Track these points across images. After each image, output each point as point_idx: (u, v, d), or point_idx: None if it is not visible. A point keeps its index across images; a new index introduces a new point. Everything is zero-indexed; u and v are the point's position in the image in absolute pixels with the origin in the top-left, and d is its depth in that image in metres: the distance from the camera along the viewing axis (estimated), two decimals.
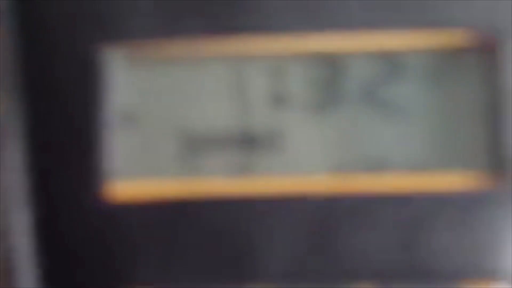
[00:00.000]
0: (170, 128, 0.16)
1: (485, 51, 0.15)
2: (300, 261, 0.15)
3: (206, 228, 0.15)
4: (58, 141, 0.15)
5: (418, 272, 0.15)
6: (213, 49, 0.15)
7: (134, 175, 0.16)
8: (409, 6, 0.16)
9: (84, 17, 0.16)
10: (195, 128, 0.16)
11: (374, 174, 0.15)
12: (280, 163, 0.15)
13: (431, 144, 0.16)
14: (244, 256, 0.15)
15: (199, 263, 0.15)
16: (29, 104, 0.16)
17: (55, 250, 0.16)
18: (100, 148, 0.16)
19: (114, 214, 0.16)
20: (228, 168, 0.16)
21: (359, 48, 0.16)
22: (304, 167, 0.16)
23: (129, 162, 0.16)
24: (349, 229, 0.15)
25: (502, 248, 0.14)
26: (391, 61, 0.16)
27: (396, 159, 0.16)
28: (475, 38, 0.15)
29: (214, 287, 0.15)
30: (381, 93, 0.16)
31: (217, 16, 0.15)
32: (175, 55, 0.16)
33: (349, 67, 0.16)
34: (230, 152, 0.16)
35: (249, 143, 0.16)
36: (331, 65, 0.16)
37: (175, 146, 0.16)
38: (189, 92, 0.16)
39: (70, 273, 0.16)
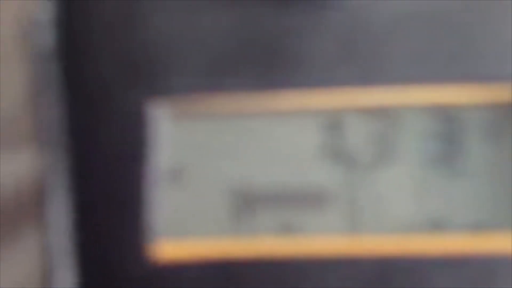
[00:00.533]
0: (218, 185, 0.16)
1: None
2: None
3: None
4: (104, 199, 0.15)
5: None
6: (261, 104, 0.15)
7: (181, 234, 0.15)
8: (464, 60, 0.15)
9: (132, 72, 0.16)
10: (244, 186, 0.15)
11: (430, 235, 0.15)
12: (334, 223, 0.15)
13: (491, 203, 0.15)
14: None
15: None
16: (74, 160, 0.15)
17: None
18: (147, 206, 0.15)
19: (160, 275, 0.15)
20: (279, 226, 0.15)
21: (415, 102, 0.15)
22: (358, 227, 0.15)
23: (175, 221, 0.16)
24: None
25: None
26: (447, 116, 0.15)
27: (454, 219, 0.15)
28: None
29: None
30: (438, 149, 0.15)
31: (265, 72, 0.15)
32: (224, 110, 0.15)
33: (404, 122, 0.15)
34: (281, 210, 0.15)
35: (301, 201, 0.15)
36: (387, 120, 0.15)
37: (223, 204, 0.16)
38: (238, 148, 0.15)
39: None
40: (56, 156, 0.15)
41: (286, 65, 0.15)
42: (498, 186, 0.15)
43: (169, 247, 0.15)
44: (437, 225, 0.15)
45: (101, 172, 0.16)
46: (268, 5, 0.15)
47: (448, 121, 0.15)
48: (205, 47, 0.16)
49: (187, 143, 0.16)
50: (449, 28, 0.16)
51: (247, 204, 0.16)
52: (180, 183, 0.16)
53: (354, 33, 0.16)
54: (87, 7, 0.17)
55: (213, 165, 0.16)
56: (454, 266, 0.15)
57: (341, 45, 0.16)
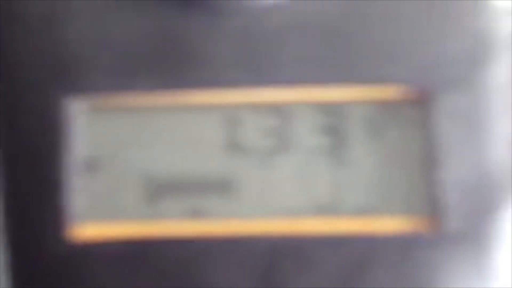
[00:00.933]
0: (131, 173, 0.17)
1: (418, 104, 0.17)
2: None
3: (164, 267, 0.16)
4: (28, 186, 0.16)
5: None
6: (170, 100, 0.17)
7: (98, 217, 0.17)
8: (347, 62, 0.17)
9: (51, 70, 0.17)
10: (154, 174, 0.17)
11: (319, 218, 0.16)
12: (234, 207, 0.16)
13: (373, 190, 0.17)
14: None
15: None
16: (1, 151, 0.17)
17: None
18: (66, 193, 0.17)
19: (78, 254, 0.16)
20: (186, 211, 0.17)
21: (304, 100, 0.17)
22: (257, 211, 0.17)
23: (93, 205, 0.17)
24: (293, 270, 0.16)
25: None
26: (333, 112, 0.17)
27: (340, 204, 0.17)
28: (409, 93, 0.16)
29: None
30: (326, 141, 0.17)
31: (172, 71, 0.17)
32: (135, 106, 0.17)
33: (295, 117, 0.17)
34: (188, 196, 0.17)
35: (205, 188, 0.17)
36: (280, 115, 0.17)
37: (136, 190, 0.17)
38: (149, 140, 0.17)
39: None
40: None
41: (191, 66, 0.17)
42: (379, 174, 0.17)
43: (87, 229, 0.16)
44: (325, 210, 0.16)
45: (25, 162, 0.17)
46: (174, 8, 0.17)
47: (334, 116, 0.17)
48: (117, 47, 0.17)
49: (102, 136, 0.17)
50: (334, 32, 0.17)
51: (158, 190, 0.17)
52: (96, 171, 0.17)
53: (248, 37, 0.17)
54: (8, 6, 0.18)
55: (126, 155, 0.17)
56: (340, 246, 0.16)
57: (238, 48, 0.17)
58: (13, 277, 0.17)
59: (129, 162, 0.17)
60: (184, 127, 0.17)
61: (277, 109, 0.17)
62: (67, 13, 0.18)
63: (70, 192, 0.17)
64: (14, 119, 0.17)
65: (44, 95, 0.17)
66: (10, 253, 0.17)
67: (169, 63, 0.17)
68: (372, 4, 0.18)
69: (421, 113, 0.17)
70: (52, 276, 0.17)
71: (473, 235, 0.17)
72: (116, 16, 0.17)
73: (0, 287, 0.17)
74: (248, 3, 0.17)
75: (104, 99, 0.17)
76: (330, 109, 0.17)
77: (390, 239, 0.16)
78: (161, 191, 0.17)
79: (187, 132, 0.17)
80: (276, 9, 0.17)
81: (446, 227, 0.16)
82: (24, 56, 0.18)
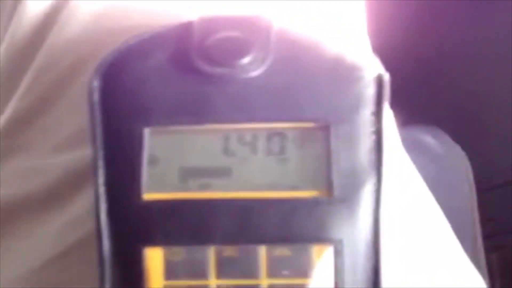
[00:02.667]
0: (173, 166, 0.23)
1: (322, 130, 0.23)
2: None
3: (189, 214, 0.23)
4: (119, 174, 0.23)
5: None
6: (194, 128, 0.24)
7: (156, 189, 0.23)
8: (285, 108, 0.24)
9: (134, 112, 0.24)
10: (185, 167, 0.23)
11: (269, 191, 0.23)
12: (226, 184, 0.23)
13: (297, 176, 0.23)
14: None
15: None
16: None
17: None
18: (140, 176, 0.23)
19: (146, 206, 0.23)
20: (201, 186, 0.23)
21: (262, 127, 0.24)
22: (237, 187, 0.23)
23: (154, 183, 0.23)
24: (255, 217, 0.22)
25: None
26: (279, 134, 0.24)
27: (280, 183, 0.23)
28: (316, 124, 0.23)
29: None
30: (275, 149, 0.24)
31: (195, 112, 0.24)
32: (176, 130, 0.24)
33: (258, 135, 0.24)
34: (202, 179, 0.23)
35: (211, 174, 0.23)
36: (250, 134, 0.24)
37: (175, 176, 0.23)
38: (183, 148, 0.24)
39: None
40: None
41: (204, 110, 0.24)
42: (300, 167, 0.23)
43: (151, 194, 0.23)
44: (271, 186, 0.23)
45: (119, 158, 0.23)
46: (195, 77, 0.24)
47: (279, 136, 0.24)
48: (167, 99, 0.23)
49: (160, 146, 0.23)
50: (277, 90, 0.24)
51: (186, 175, 0.23)
52: (156, 164, 0.23)
53: (236, 94, 0.24)
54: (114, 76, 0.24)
55: (171, 156, 0.23)
56: (279, 204, 0.23)
57: (230, 101, 0.24)
58: (106, 220, 0.23)
59: (173, 160, 0.23)
60: (202, 141, 0.23)
61: (250, 131, 0.24)
62: (147, 78, 0.24)
63: (142, 175, 0.23)
64: (110, 137, 0.24)
65: (130, 124, 0.23)
66: (108, 205, 0.23)
67: (193, 107, 0.24)
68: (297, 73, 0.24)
69: (324, 135, 0.23)
70: (132, 218, 0.23)
71: (348, 199, 0.23)
72: (169, 81, 0.24)
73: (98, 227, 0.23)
74: (237, 77, 0.24)
75: (163, 127, 0.24)
76: (275, 132, 0.24)
77: (303, 201, 0.23)
78: (187, 176, 0.23)
79: (204, 143, 0.23)
80: (251, 80, 0.24)
81: (334, 195, 0.23)
82: (122, 105, 0.24)
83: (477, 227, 0.59)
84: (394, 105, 0.29)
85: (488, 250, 0.60)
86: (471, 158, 0.63)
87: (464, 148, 0.64)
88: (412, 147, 0.35)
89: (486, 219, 0.61)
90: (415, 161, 0.34)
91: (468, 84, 0.86)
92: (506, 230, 0.73)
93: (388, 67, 0.25)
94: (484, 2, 0.83)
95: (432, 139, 0.63)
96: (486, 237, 0.59)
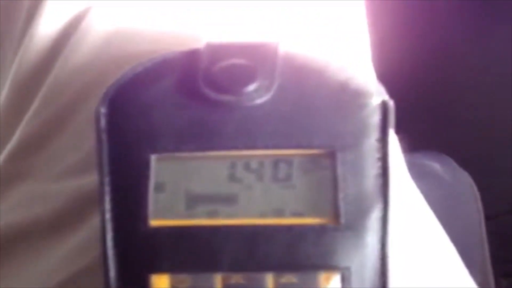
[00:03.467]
0: (180, 192, 0.23)
1: (328, 157, 0.23)
2: None
3: (197, 242, 0.23)
4: (125, 198, 0.23)
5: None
6: (199, 154, 0.24)
7: (162, 216, 0.23)
8: (293, 136, 0.24)
9: (142, 139, 0.24)
10: (192, 193, 0.23)
11: (276, 217, 0.23)
12: (233, 211, 0.23)
13: (304, 203, 0.23)
14: None
15: None
16: None
17: None
18: (146, 201, 0.23)
19: (153, 233, 0.23)
20: (208, 213, 0.23)
21: (270, 154, 0.24)
22: (244, 213, 0.23)
23: (159, 209, 0.23)
24: (264, 243, 0.22)
25: None
26: (285, 161, 0.24)
27: (286, 210, 0.23)
28: (323, 151, 0.23)
29: None
30: (281, 176, 0.24)
31: (201, 139, 0.24)
32: (183, 157, 0.24)
33: (265, 163, 0.24)
34: (209, 205, 0.23)
35: (218, 200, 0.23)
36: (256, 161, 0.24)
37: (182, 201, 0.23)
38: (190, 174, 0.23)
39: None
40: None
41: (210, 136, 0.24)
42: (307, 194, 0.23)
43: (157, 221, 0.23)
44: (277, 213, 0.23)
45: (124, 185, 0.24)
46: (202, 104, 0.24)
47: (285, 163, 0.24)
48: (175, 126, 0.24)
49: (166, 173, 0.23)
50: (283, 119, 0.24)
51: (193, 202, 0.23)
52: (162, 191, 0.23)
53: (243, 121, 0.24)
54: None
55: (178, 182, 0.24)
56: (287, 231, 0.22)
57: (237, 127, 0.24)
58: (113, 247, 0.23)
59: (180, 186, 0.23)
60: (209, 168, 0.24)
61: (256, 158, 0.24)
62: (153, 105, 0.24)
63: (149, 202, 0.23)
64: (116, 163, 0.24)
65: (136, 151, 0.24)
66: (114, 231, 0.23)
67: (199, 134, 0.24)
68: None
69: (330, 162, 0.23)
70: (139, 245, 0.23)
71: (355, 226, 0.23)
72: (175, 108, 0.24)
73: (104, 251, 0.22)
74: (243, 104, 0.24)
75: (169, 154, 0.24)
76: (281, 159, 0.24)
77: (310, 228, 0.23)
78: (194, 202, 0.23)
79: (210, 170, 0.24)
80: (257, 107, 0.24)
81: (341, 221, 0.23)
82: (128, 132, 0.24)
83: (486, 253, 0.59)
84: (400, 130, 0.29)
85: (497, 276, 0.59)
86: (478, 185, 0.63)
87: (470, 174, 0.63)
88: (419, 174, 0.36)
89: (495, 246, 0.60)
90: (421, 187, 0.34)
91: (474, 110, 0.86)
92: None
93: (394, 93, 0.25)
94: (487, 33, 0.84)
95: (439, 165, 0.63)
96: (496, 263, 0.58)
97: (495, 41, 0.80)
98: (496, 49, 0.81)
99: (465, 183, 0.62)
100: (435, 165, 0.62)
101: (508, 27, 0.75)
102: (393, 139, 0.25)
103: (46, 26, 0.33)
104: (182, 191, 0.24)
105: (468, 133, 0.86)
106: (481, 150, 0.83)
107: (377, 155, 0.24)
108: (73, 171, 0.29)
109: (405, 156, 0.34)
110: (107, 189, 0.23)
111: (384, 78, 0.27)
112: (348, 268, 0.22)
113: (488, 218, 0.61)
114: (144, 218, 0.23)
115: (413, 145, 0.41)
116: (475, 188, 0.63)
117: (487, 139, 0.83)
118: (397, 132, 0.28)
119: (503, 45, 0.79)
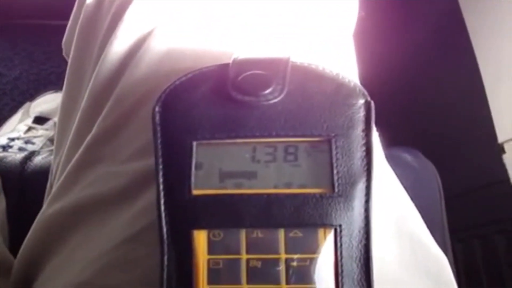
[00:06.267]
0: (215, 169, 0.23)
1: (326, 143, 0.23)
2: None
3: (227, 205, 0.23)
4: (174, 177, 0.24)
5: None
6: (229, 141, 0.24)
7: (202, 186, 0.23)
8: (299, 126, 0.24)
9: (187, 131, 0.24)
10: (223, 169, 0.24)
11: (285, 188, 0.23)
12: (254, 183, 0.23)
13: (306, 178, 0.23)
14: None
15: None
16: None
17: None
18: (189, 176, 0.23)
19: (194, 199, 0.23)
20: (236, 184, 0.23)
21: (282, 140, 0.24)
22: (262, 185, 0.23)
23: (200, 182, 0.24)
24: (275, 207, 0.22)
25: None
26: (293, 146, 0.24)
27: (293, 183, 0.23)
28: (322, 138, 0.23)
29: None
30: (290, 158, 0.24)
31: (229, 129, 0.24)
32: (215, 143, 0.24)
33: (277, 147, 0.24)
34: (236, 178, 0.23)
35: (243, 175, 0.23)
36: (271, 147, 0.24)
37: (215, 176, 0.23)
38: (221, 155, 0.24)
39: None
40: None
41: (235, 127, 0.24)
42: (309, 171, 0.23)
43: (198, 190, 0.23)
44: (287, 185, 0.23)
45: (174, 167, 0.23)
46: (226, 103, 0.25)
47: (293, 148, 0.24)
48: (209, 119, 0.24)
49: (204, 155, 0.24)
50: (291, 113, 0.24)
51: (224, 176, 0.23)
52: (201, 169, 0.23)
53: (259, 115, 0.24)
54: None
55: (212, 162, 0.24)
56: (293, 198, 0.23)
57: (256, 121, 0.24)
58: (165, 210, 0.23)
59: (214, 165, 0.24)
60: (236, 151, 0.24)
61: (271, 144, 0.24)
62: (194, 105, 0.25)
63: (192, 176, 0.23)
64: (167, 149, 0.24)
65: (182, 139, 0.24)
66: (166, 199, 0.23)
67: (228, 126, 0.24)
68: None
69: (327, 147, 0.24)
70: (184, 208, 0.23)
71: (345, 194, 0.23)
72: (211, 106, 0.25)
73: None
74: (261, 103, 0.24)
75: (206, 141, 0.24)
76: (290, 145, 0.24)
77: (311, 195, 0.23)
78: (225, 177, 0.24)
79: (237, 153, 0.24)
80: (272, 106, 0.24)
81: (335, 191, 0.23)
82: (176, 125, 0.24)
83: (445, 224, 0.58)
84: (382, 131, 0.30)
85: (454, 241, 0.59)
86: (439, 171, 0.63)
87: (433, 163, 0.64)
88: (395, 163, 0.36)
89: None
90: (396, 173, 0.34)
91: (438, 116, 0.86)
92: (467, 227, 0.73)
93: (378, 101, 0.25)
94: (451, 50, 0.83)
95: (410, 157, 0.63)
96: (452, 232, 0.58)
97: (459, 57, 0.80)
98: (458, 66, 0.80)
99: (430, 170, 0.62)
100: (407, 156, 0.62)
101: (467, 41, 0.74)
102: (375, 134, 0.26)
103: (117, 46, 0.33)
104: (216, 168, 0.24)
105: (432, 132, 0.86)
106: (443, 145, 0.83)
107: (362, 141, 0.24)
108: (136, 156, 0.29)
109: (384, 150, 0.34)
110: (160, 167, 0.24)
111: (370, 88, 0.27)
112: (340, 226, 0.22)
113: (446, 197, 0.61)
114: (188, 188, 0.23)
115: (390, 141, 0.41)
116: (437, 174, 0.63)
117: (447, 137, 0.83)
118: (380, 131, 0.29)
119: (462, 62, 0.79)
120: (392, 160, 0.35)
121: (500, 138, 0.69)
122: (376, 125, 0.26)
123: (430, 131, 0.85)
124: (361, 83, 0.26)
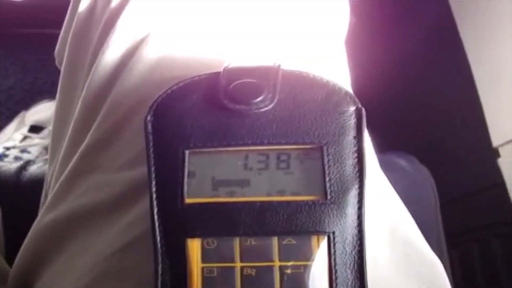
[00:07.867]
0: (207, 177, 0.23)
1: (317, 150, 0.23)
2: None
3: (218, 213, 0.22)
4: (166, 185, 0.23)
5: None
6: (221, 149, 0.23)
7: (194, 195, 0.23)
8: (291, 134, 0.23)
9: (178, 140, 0.24)
10: (216, 177, 0.23)
11: (278, 196, 0.22)
12: (246, 191, 0.23)
13: (298, 185, 0.23)
14: None
15: None
16: None
17: None
18: (181, 185, 0.23)
19: (186, 208, 0.22)
20: (228, 192, 0.23)
21: (274, 148, 0.24)
22: (254, 192, 0.23)
23: (191, 190, 0.23)
24: (268, 215, 0.22)
25: None
26: (285, 154, 0.23)
27: (285, 190, 0.23)
28: (314, 146, 0.23)
29: None
30: (282, 165, 0.23)
31: (221, 137, 0.24)
32: (208, 151, 0.23)
33: (270, 156, 0.23)
34: (229, 186, 0.23)
35: (235, 183, 0.23)
36: (264, 155, 0.23)
37: (208, 184, 0.23)
38: (214, 164, 0.23)
39: None
40: None
41: (228, 136, 0.24)
42: (302, 178, 0.23)
43: (189, 199, 0.22)
44: (279, 192, 0.23)
45: (166, 176, 0.23)
46: (219, 112, 0.24)
47: (285, 155, 0.23)
48: (202, 127, 0.24)
49: (196, 163, 0.23)
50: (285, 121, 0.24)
51: (217, 184, 0.23)
52: (193, 177, 0.23)
53: (252, 124, 0.23)
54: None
55: (205, 171, 0.23)
56: (286, 206, 0.22)
57: (247, 129, 0.23)
58: (158, 218, 0.23)
59: (206, 173, 0.23)
60: (228, 159, 0.23)
61: (263, 152, 0.24)
62: (186, 113, 0.24)
63: (184, 185, 0.23)
64: (159, 157, 0.24)
65: (174, 147, 0.24)
66: (159, 208, 0.23)
67: (220, 134, 0.24)
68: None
69: (319, 154, 0.24)
70: (177, 217, 0.23)
71: (338, 201, 0.23)
72: (202, 115, 0.24)
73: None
74: (253, 111, 0.24)
75: (198, 149, 0.24)
76: (282, 152, 0.24)
77: (304, 203, 0.23)
78: (217, 185, 0.23)
79: (229, 161, 0.23)
80: (263, 114, 0.24)
81: (327, 198, 0.23)
82: (168, 133, 0.24)
83: (440, 228, 0.58)
84: (376, 136, 0.30)
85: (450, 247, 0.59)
86: (434, 177, 0.63)
87: (428, 167, 0.64)
88: (389, 168, 0.36)
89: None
90: (391, 178, 0.34)
91: (432, 123, 0.86)
92: (463, 231, 0.73)
93: (371, 106, 0.26)
94: (444, 55, 0.84)
95: (404, 162, 0.63)
96: (448, 237, 0.58)
97: (450, 66, 0.80)
98: (449, 75, 0.80)
99: (424, 175, 0.62)
100: (402, 161, 0.62)
101: (460, 46, 0.75)
102: (367, 139, 0.26)
103: (109, 55, 0.33)
104: (209, 177, 0.23)
105: (427, 137, 0.86)
106: (437, 150, 0.83)
107: (354, 148, 0.24)
108: (129, 164, 0.29)
109: (379, 155, 0.34)
110: (153, 176, 0.23)
111: (362, 92, 0.27)
112: (333, 233, 0.22)
113: (442, 202, 0.61)
114: (181, 197, 0.23)
115: (385, 146, 0.41)
116: (432, 179, 0.63)
117: (442, 141, 0.83)
118: (373, 137, 0.29)
119: (454, 72, 0.79)
120: (386, 165, 0.35)
121: (495, 142, 0.69)
122: (370, 130, 0.26)
123: (424, 136, 0.85)
124: (354, 89, 0.26)
